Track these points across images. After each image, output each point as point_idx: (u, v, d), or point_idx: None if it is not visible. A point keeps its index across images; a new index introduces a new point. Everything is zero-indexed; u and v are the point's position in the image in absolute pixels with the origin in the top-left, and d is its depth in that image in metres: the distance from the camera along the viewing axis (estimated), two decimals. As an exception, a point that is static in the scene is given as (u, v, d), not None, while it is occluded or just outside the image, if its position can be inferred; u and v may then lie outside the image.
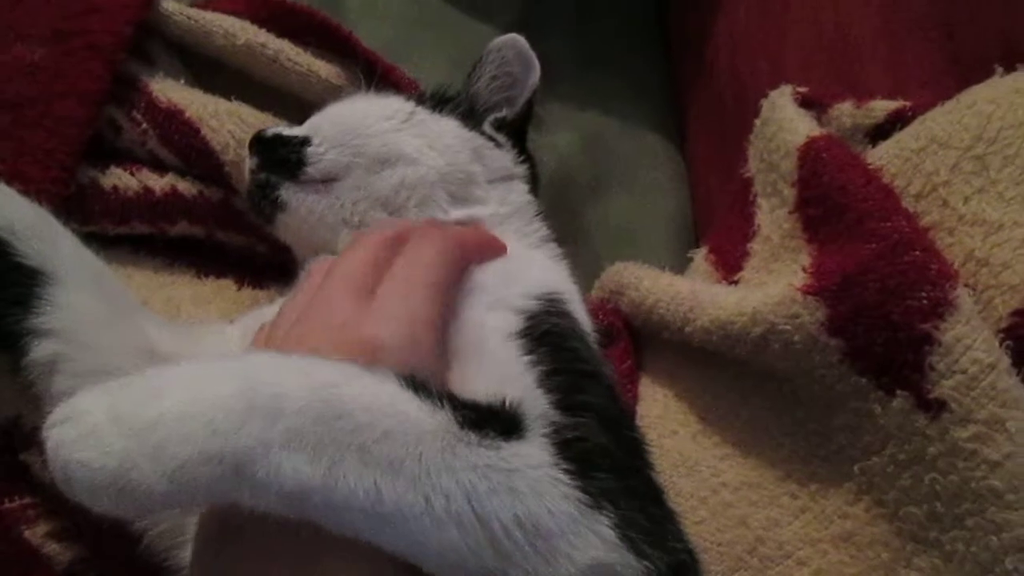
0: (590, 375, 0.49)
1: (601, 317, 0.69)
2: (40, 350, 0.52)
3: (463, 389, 0.45)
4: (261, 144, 0.64)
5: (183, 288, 0.66)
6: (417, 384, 0.40)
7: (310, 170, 0.62)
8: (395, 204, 0.62)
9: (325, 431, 0.36)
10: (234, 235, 0.69)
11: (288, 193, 0.62)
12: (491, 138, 0.67)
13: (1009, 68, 0.63)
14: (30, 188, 0.57)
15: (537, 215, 0.68)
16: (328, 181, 0.62)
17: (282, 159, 0.62)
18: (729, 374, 0.63)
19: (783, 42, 0.84)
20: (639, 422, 0.66)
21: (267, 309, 0.60)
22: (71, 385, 0.52)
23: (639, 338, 0.71)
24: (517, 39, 0.69)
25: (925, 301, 0.53)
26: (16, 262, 0.52)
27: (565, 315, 0.53)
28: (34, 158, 0.60)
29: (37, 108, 0.60)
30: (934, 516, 0.53)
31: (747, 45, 0.87)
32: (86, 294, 0.54)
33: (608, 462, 0.42)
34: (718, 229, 0.74)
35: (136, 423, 0.36)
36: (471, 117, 0.68)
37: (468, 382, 0.46)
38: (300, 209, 0.61)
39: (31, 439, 0.56)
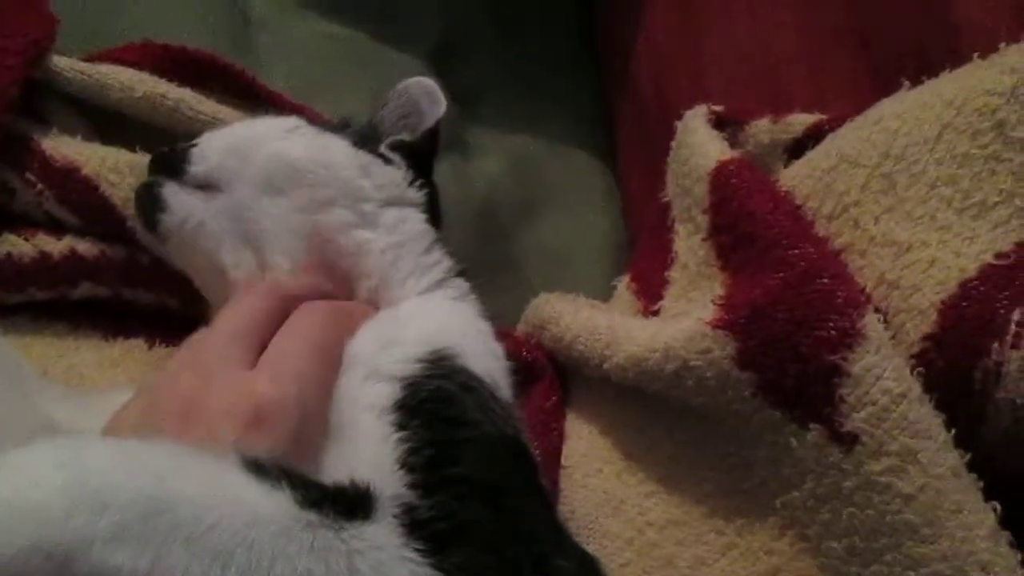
0: (467, 441, 0.47)
1: (525, 353, 0.68)
2: None
3: (335, 471, 0.43)
4: (155, 157, 0.64)
5: (88, 353, 0.64)
6: (259, 465, 0.38)
7: (193, 169, 0.61)
8: (278, 223, 0.60)
9: (150, 526, 0.35)
10: (142, 292, 0.67)
11: (170, 191, 0.61)
12: (383, 156, 0.65)
13: (918, 80, 0.61)
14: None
15: (436, 245, 0.64)
16: (211, 188, 0.61)
17: (168, 160, 0.63)
18: (651, 409, 0.62)
19: (702, 56, 0.83)
20: (565, 460, 0.65)
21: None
22: None
23: (565, 374, 0.69)
24: (426, 80, 0.67)
25: (833, 331, 0.51)
26: None
27: (452, 374, 0.51)
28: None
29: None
30: (854, 551, 0.51)
31: (669, 61, 0.86)
32: None
33: (472, 537, 0.40)
34: (639, 256, 0.73)
35: None
36: (368, 142, 0.66)
37: (339, 463, 0.44)
38: (180, 209, 0.60)
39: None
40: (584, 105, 0.98)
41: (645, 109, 0.88)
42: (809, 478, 0.53)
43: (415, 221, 0.64)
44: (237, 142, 0.63)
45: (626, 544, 0.59)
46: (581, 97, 0.98)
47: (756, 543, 0.56)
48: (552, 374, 0.68)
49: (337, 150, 0.63)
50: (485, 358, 0.56)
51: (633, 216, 0.90)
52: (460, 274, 0.64)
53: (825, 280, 0.53)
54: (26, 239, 0.63)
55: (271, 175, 0.60)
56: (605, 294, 0.81)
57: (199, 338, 0.50)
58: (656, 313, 0.66)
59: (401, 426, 0.47)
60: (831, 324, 0.52)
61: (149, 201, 0.61)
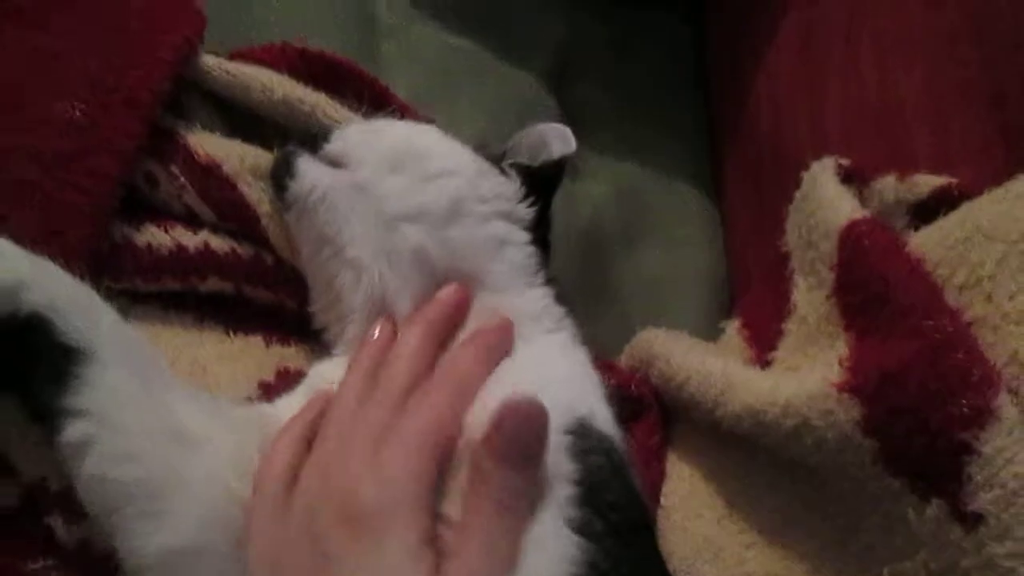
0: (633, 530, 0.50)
1: (633, 388, 0.68)
2: (73, 431, 0.52)
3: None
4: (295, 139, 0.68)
5: (211, 347, 0.66)
6: None
7: (329, 145, 0.66)
8: (392, 208, 0.62)
9: None
10: (262, 291, 0.69)
11: (303, 161, 0.64)
12: (500, 169, 0.67)
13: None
14: (63, 247, 0.57)
15: (540, 271, 0.66)
16: (342, 166, 0.64)
17: (309, 135, 0.67)
18: (759, 460, 0.62)
19: (825, 103, 0.82)
20: (664, 500, 0.65)
21: (307, 383, 0.61)
22: (101, 469, 0.52)
23: (667, 412, 0.70)
24: (562, 126, 0.69)
25: (966, 409, 0.51)
26: (56, 340, 0.52)
27: (599, 446, 0.52)
28: (67, 216, 0.59)
29: (71, 165, 0.60)
30: (967, 627, 0.51)
31: (788, 106, 0.85)
32: (121, 373, 0.53)
33: None
34: (752, 302, 0.73)
35: None
36: (492, 160, 0.68)
37: None
38: (309, 178, 0.63)
39: (55, 502, 0.57)
40: (691, 138, 0.98)
41: (759, 150, 0.88)
42: (923, 551, 0.53)
43: (520, 239, 0.65)
44: (376, 129, 0.67)
45: (724, 592, 0.60)
46: (689, 130, 0.98)
47: (858, 607, 0.56)
48: (657, 412, 0.68)
49: (462, 150, 0.67)
50: (605, 410, 0.57)
51: (736, 255, 0.90)
52: (558, 298, 0.66)
53: (960, 355, 0.53)
54: (165, 231, 0.65)
55: (397, 156, 0.63)
56: (702, 329, 0.81)
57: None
58: (768, 363, 0.66)
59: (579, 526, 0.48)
60: (964, 401, 0.51)
61: (283, 167, 0.65)
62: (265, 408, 0.60)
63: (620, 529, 0.49)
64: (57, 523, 0.56)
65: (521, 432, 0.48)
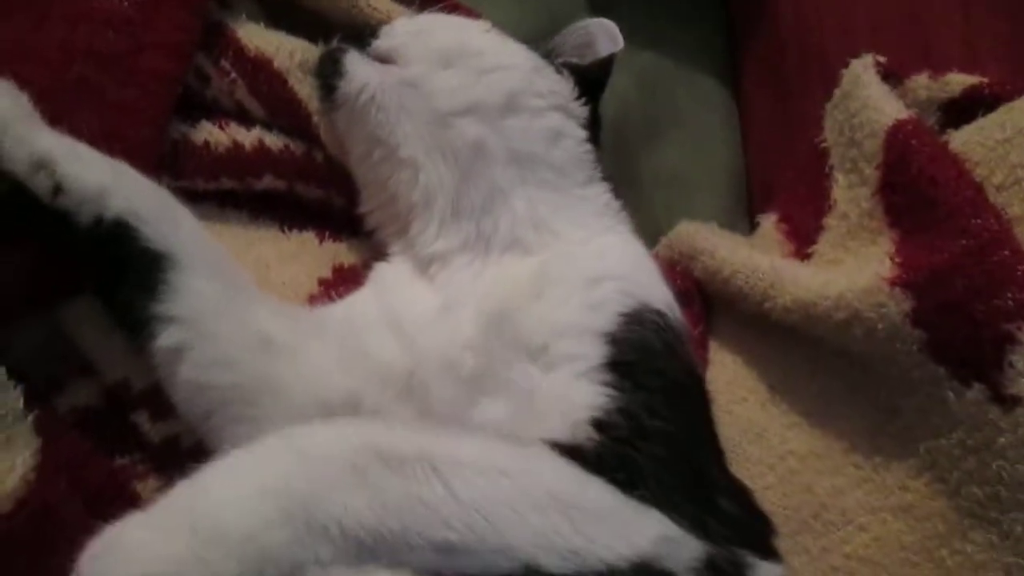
0: (666, 393, 0.51)
1: (678, 281, 0.71)
2: (167, 338, 0.53)
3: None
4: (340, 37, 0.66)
5: (269, 245, 0.66)
6: None
7: (378, 42, 0.64)
8: (445, 104, 0.61)
9: None
10: (314, 188, 0.69)
11: (351, 59, 0.63)
12: (555, 66, 0.67)
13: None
14: (126, 148, 0.56)
15: (598, 165, 0.66)
16: (392, 63, 0.63)
17: (355, 31, 0.66)
18: (803, 347, 0.66)
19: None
20: (708, 386, 0.69)
21: (373, 283, 0.62)
22: (195, 375, 0.53)
23: (708, 300, 0.73)
24: (609, 22, 0.68)
25: (1011, 302, 0.55)
26: (142, 247, 0.53)
27: (653, 325, 0.54)
28: (127, 117, 0.58)
29: (127, 62, 0.59)
30: (996, 498, 0.57)
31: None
32: (207, 279, 0.54)
33: (652, 484, 0.45)
34: (788, 197, 0.75)
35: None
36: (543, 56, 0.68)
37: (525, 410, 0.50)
38: (358, 77, 0.62)
39: (139, 402, 0.58)
40: (709, 31, 0.98)
41: (782, 43, 0.88)
42: (960, 429, 0.58)
43: (577, 134, 0.66)
44: (425, 25, 0.66)
45: (768, 469, 0.65)
46: (707, 22, 0.98)
47: (892, 480, 0.62)
48: (700, 304, 0.71)
49: (516, 46, 0.66)
50: (668, 296, 0.59)
51: (755, 148, 0.91)
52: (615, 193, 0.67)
53: (1006, 252, 0.57)
54: (221, 128, 0.64)
55: (449, 52, 0.63)
56: (722, 221, 0.84)
57: None
58: (808, 256, 0.70)
59: (612, 385, 0.50)
60: (1009, 295, 0.56)
61: (330, 66, 0.63)
62: (337, 311, 0.61)
63: (663, 390, 0.51)
64: (142, 420, 0.58)
65: None
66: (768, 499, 0.63)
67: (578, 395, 0.49)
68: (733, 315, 0.71)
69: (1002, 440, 0.56)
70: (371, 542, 0.37)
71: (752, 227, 0.82)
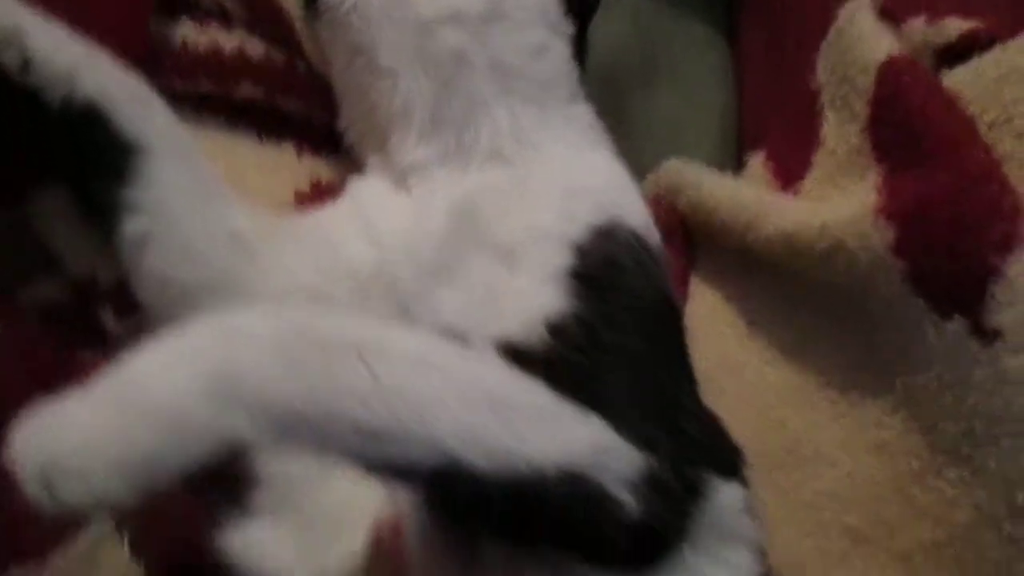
0: (629, 309, 0.50)
1: (661, 214, 0.70)
2: (132, 226, 0.52)
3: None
4: None
5: (246, 153, 0.65)
6: None
7: None
8: (427, 10, 0.59)
9: None
10: (294, 101, 0.68)
11: None
12: None
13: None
14: (103, 41, 0.55)
15: (581, 87, 0.65)
16: None
17: None
18: (785, 283, 0.65)
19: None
20: (687, 320, 0.68)
21: (349, 197, 0.61)
22: (160, 265, 0.52)
23: (691, 237, 0.72)
24: None
25: (995, 235, 0.55)
26: (113, 132, 0.51)
27: (624, 241, 0.53)
28: (106, 8, 0.57)
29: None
30: (970, 433, 0.56)
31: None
32: (179, 170, 0.53)
33: (610, 402, 0.44)
34: (777, 137, 0.75)
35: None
36: None
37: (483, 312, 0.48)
38: None
39: (105, 297, 0.57)
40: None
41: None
42: (938, 364, 0.57)
43: (562, 50, 0.64)
44: None
45: (743, 403, 0.64)
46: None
47: (868, 416, 0.61)
48: (682, 237, 0.71)
49: None
50: (647, 219, 0.58)
51: (749, 94, 0.90)
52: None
53: (994, 186, 0.56)
54: (200, 25, 0.63)
55: None
56: (712, 166, 0.82)
57: None
58: (796, 193, 0.69)
59: (573, 294, 0.49)
60: (995, 228, 0.55)
61: None
62: (311, 218, 0.60)
63: (627, 306, 0.50)
64: (108, 315, 0.57)
65: None
66: (742, 433, 0.62)
67: (538, 298, 0.48)
68: (716, 250, 0.70)
69: (979, 374, 0.55)
70: (291, 420, 0.36)
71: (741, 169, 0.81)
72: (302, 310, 0.45)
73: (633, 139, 0.88)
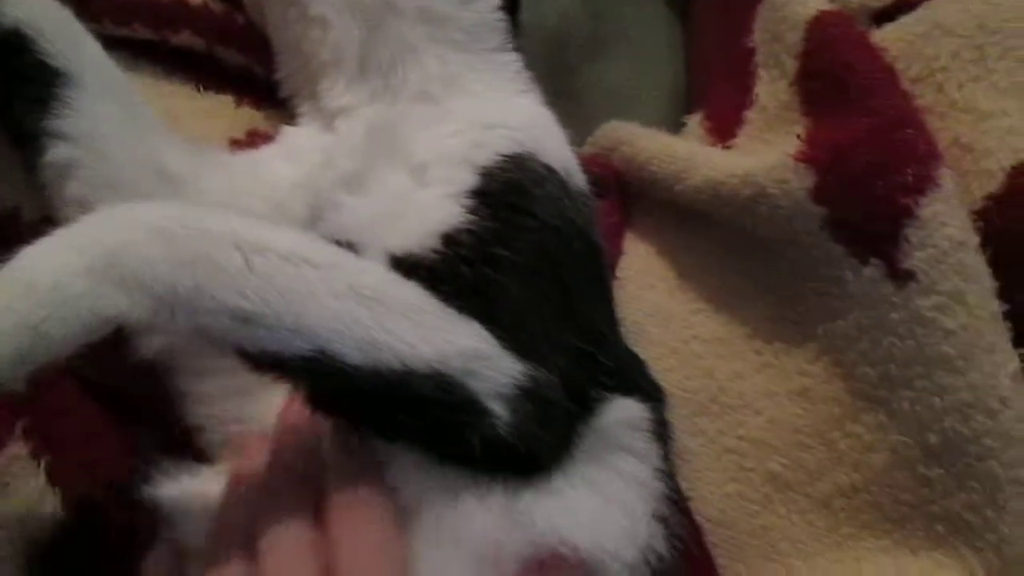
0: (527, 229, 0.50)
1: (595, 169, 0.71)
2: (56, 153, 0.52)
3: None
4: None
5: (183, 100, 0.66)
6: None
7: None
8: None
9: None
10: (234, 53, 0.68)
11: None
12: None
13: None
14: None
15: (511, 42, 0.64)
16: None
17: None
18: (711, 234, 0.66)
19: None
20: (620, 274, 0.69)
21: (281, 142, 0.61)
22: (84, 193, 0.53)
23: (628, 195, 0.73)
24: None
25: (910, 177, 0.56)
26: (40, 60, 0.52)
27: (530, 169, 0.53)
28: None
29: None
30: (887, 377, 0.57)
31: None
32: (107, 102, 0.54)
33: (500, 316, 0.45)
34: (714, 97, 0.75)
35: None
36: None
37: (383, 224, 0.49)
38: None
39: (28, 233, 0.57)
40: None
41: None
42: (856, 310, 0.58)
43: (491, 6, 0.64)
44: None
45: (670, 352, 0.64)
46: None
47: (791, 365, 0.62)
48: (617, 193, 0.71)
49: None
50: (569, 160, 0.59)
51: (697, 67, 0.91)
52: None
53: (909, 131, 0.57)
54: (134, -28, 0.63)
55: None
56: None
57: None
58: (728, 149, 0.69)
59: (471, 210, 0.49)
60: (909, 170, 0.56)
61: None
62: (240, 156, 0.61)
63: (527, 228, 0.50)
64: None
65: None
66: (668, 381, 0.63)
67: (438, 212, 0.49)
68: (649, 205, 0.71)
69: (894, 316, 0.56)
70: (168, 297, 0.38)
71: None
72: (187, 205, 0.46)
73: (583, 108, 0.89)
